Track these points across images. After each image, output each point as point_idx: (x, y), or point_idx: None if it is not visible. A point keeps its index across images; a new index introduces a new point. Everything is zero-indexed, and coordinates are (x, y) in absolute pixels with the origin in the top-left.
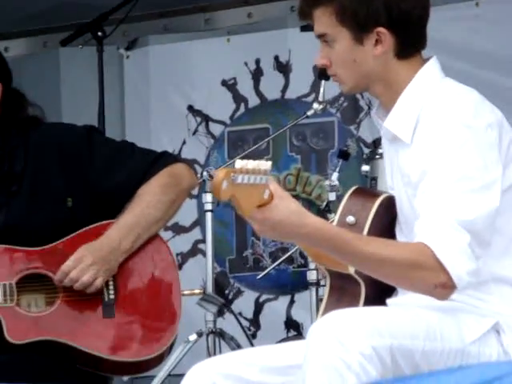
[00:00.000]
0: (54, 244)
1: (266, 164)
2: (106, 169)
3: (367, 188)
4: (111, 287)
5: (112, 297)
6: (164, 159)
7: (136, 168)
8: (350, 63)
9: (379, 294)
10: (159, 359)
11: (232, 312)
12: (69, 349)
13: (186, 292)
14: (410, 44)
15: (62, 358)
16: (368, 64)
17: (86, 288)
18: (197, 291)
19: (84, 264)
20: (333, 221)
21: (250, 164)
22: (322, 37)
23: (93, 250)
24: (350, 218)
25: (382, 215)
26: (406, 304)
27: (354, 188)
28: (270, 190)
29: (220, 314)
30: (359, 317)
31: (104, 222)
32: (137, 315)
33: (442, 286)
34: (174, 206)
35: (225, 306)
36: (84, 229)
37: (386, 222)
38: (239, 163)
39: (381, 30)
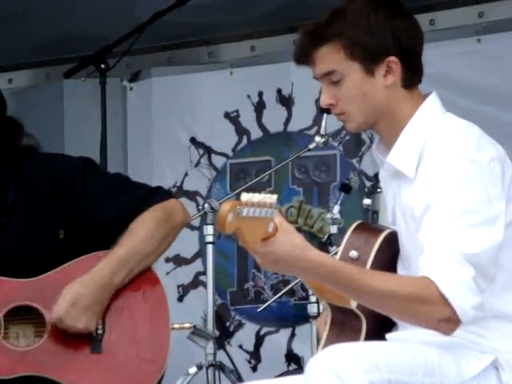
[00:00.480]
0: (43, 276)
1: (271, 197)
2: (99, 202)
3: (371, 223)
4: (99, 321)
5: (100, 332)
6: (157, 194)
7: (129, 202)
8: (360, 98)
9: (380, 329)
10: None
11: (233, 364)
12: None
13: (175, 326)
14: (415, 73)
15: None
16: (378, 96)
17: (81, 332)
18: (187, 325)
19: (78, 309)
20: (335, 254)
21: (256, 197)
22: (327, 75)
23: (86, 290)
24: (353, 253)
25: (385, 251)
26: (405, 339)
27: (357, 223)
28: (274, 223)
29: (220, 368)
30: (357, 351)
31: (95, 253)
32: (125, 351)
33: (447, 320)
34: (166, 242)
35: (215, 340)
36: (74, 260)
37: (389, 258)
38: (245, 196)
39: (392, 58)
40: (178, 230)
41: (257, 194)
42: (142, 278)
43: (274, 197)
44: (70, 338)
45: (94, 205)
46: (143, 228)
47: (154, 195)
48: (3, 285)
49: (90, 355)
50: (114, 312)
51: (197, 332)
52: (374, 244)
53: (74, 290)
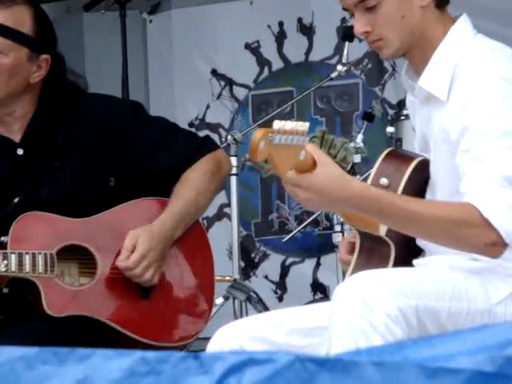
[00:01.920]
0: (95, 216)
1: (303, 125)
2: (152, 150)
3: (402, 150)
4: None
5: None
6: (207, 144)
7: (181, 151)
8: (398, 21)
9: (408, 255)
10: (185, 347)
11: (260, 300)
12: (102, 325)
13: (216, 278)
14: None
15: (94, 332)
16: (415, 18)
17: (144, 283)
18: (227, 278)
19: (148, 261)
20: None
21: (288, 125)
22: (361, 2)
23: (155, 243)
24: (384, 180)
25: (416, 178)
26: (432, 264)
27: (388, 150)
28: (310, 154)
29: (249, 301)
30: (384, 278)
31: (143, 198)
32: (173, 298)
33: (493, 244)
34: (216, 193)
35: (255, 294)
36: (125, 203)
37: (419, 185)
38: (277, 124)
39: None
40: (224, 180)
41: (289, 122)
42: (190, 229)
43: (307, 124)
44: (120, 283)
45: (147, 152)
46: (199, 180)
47: (205, 145)
48: (56, 223)
49: (140, 301)
50: (165, 262)
51: (236, 285)
52: (405, 171)
53: (144, 240)
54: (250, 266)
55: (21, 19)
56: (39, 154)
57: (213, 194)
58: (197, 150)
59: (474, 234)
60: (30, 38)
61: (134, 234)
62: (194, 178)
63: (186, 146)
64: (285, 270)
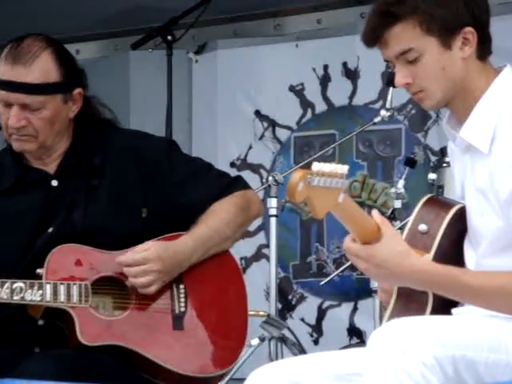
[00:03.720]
0: (130, 249)
1: (342, 168)
2: (184, 184)
3: (441, 197)
4: (182, 299)
5: (182, 309)
6: (238, 183)
7: (212, 188)
8: (439, 73)
9: (447, 303)
10: (221, 377)
11: (297, 341)
12: (134, 355)
13: (250, 312)
14: (488, 44)
15: (126, 362)
16: (456, 69)
17: (140, 288)
18: (261, 313)
19: (149, 267)
20: (399, 228)
21: (327, 167)
22: (402, 55)
23: (164, 256)
24: (423, 227)
25: (455, 226)
26: (471, 313)
27: (427, 196)
28: (377, 224)
29: (284, 342)
30: (422, 326)
31: (179, 232)
32: (206, 331)
33: None
34: (241, 229)
35: (289, 330)
36: (157, 238)
37: (458, 233)
38: (316, 166)
39: (468, 29)
40: (253, 220)
41: (328, 164)
42: (223, 261)
43: (346, 167)
44: (153, 313)
45: (179, 187)
46: (225, 211)
47: (235, 184)
48: (91, 255)
49: (172, 331)
50: (197, 291)
51: (270, 321)
52: (444, 218)
53: (155, 250)
54: (286, 307)
55: (46, 70)
56: (73, 184)
57: (238, 228)
58: (227, 187)
59: None
60: (60, 84)
61: (150, 242)
62: (220, 209)
63: (217, 183)
64: (321, 314)
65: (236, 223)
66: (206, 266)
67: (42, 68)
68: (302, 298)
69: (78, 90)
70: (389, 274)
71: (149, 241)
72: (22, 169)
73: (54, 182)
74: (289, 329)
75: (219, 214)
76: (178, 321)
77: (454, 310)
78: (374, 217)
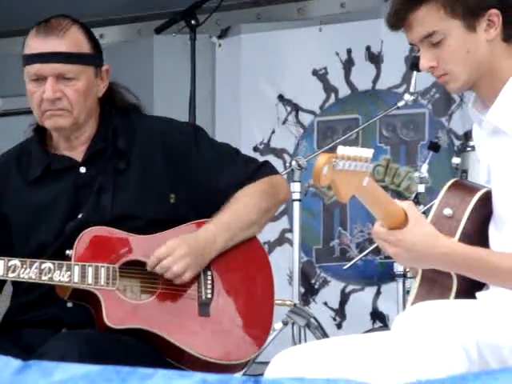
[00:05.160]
0: (158, 234)
1: (367, 152)
2: (212, 170)
3: (466, 181)
4: (209, 286)
5: (209, 296)
6: (265, 169)
7: (239, 173)
8: (463, 55)
9: (471, 288)
10: (245, 365)
11: (320, 325)
12: (159, 339)
13: (277, 301)
14: None
15: (152, 346)
16: (481, 52)
17: (175, 278)
18: (288, 302)
19: (177, 253)
20: (424, 212)
21: (352, 151)
22: (427, 38)
23: (188, 241)
24: (448, 211)
25: (480, 210)
26: (495, 298)
27: (452, 181)
28: (403, 209)
29: (308, 327)
30: (446, 310)
31: (206, 219)
32: (231, 318)
33: None
34: (268, 214)
35: (314, 320)
36: (186, 224)
37: (483, 217)
38: (341, 149)
39: (493, 11)
40: (280, 205)
41: (353, 148)
42: (251, 248)
43: (371, 151)
44: (180, 299)
45: (206, 172)
46: (248, 196)
47: (262, 169)
48: (120, 238)
49: (198, 318)
50: (223, 278)
51: (296, 310)
52: (470, 203)
53: (176, 240)
54: (309, 291)
55: (79, 41)
56: (100, 169)
57: (264, 213)
58: (254, 172)
59: None
60: (91, 56)
61: (170, 240)
62: (243, 195)
63: (244, 168)
64: (345, 298)
65: (262, 208)
66: (234, 253)
67: (76, 39)
68: (325, 282)
69: (106, 67)
70: (418, 257)
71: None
72: (50, 157)
73: (82, 169)
74: (312, 316)
75: (244, 200)
76: (203, 307)
77: (478, 294)
78: (400, 202)
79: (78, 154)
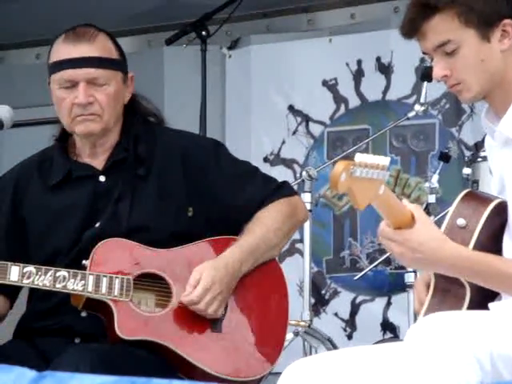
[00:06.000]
0: (176, 249)
1: (384, 159)
2: (231, 186)
3: (480, 192)
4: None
5: (222, 312)
6: (284, 189)
7: (258, 192)
8: (477, 65)
9: (484, 298)
10: (257, 382)
11: (332, 343)
12: (169, 353)
13: (291, 322)
14: None
15: (165, 360)
16: (495, 62)
17: (210, 316)
18: (302, 323)
19: (211, 295)
20: (435, 223)
21: (370, 158)
22: (440, 47)
23: (219, 275)
24: (461, 221)
25: (493, 220)
26: (508, 308)
27: (466, 191)
28: (410, 211)
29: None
30: (459, 321)
31: (227, 236)
32: (243, 335)
33: None
34: (288, 236)
35: (329, 342)
36: (204, 240)
37: (497, 228)
38: (359, 157)
39: (507, 21)
40: (298, 226)
41: (371, 155)
42: (267, 268)
43: (387, 159)
44: (193, 313)
45: (226, 188)
46: (271, 219)
47: (282, 189)
48: (137, 250)
49: (210, 333)
50: (238, 296)
51: (310, 332)
52: (483, 213)
53: (208, 275)
54: (320, 302)
55: (107, 46)
56: (120, 178)
57: (285, 236)
58: (273, 192)
59: None
60: (119, 61)
61: (199, 270)
62: (266, 217)
63: (263, 187)
64: (355, 308)
65: (283, 231)
66: (251, 272)
67: (105, 44)
68: (335, 293)
69: (131, 74)
70: (424, 258)
71: (198, 266)
72: (71, 164)
73: (102, 178)
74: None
75: (266, 223)
76: (216, 323)
77: (491, 305)
78: (407, 204)
79: (99, 163)
